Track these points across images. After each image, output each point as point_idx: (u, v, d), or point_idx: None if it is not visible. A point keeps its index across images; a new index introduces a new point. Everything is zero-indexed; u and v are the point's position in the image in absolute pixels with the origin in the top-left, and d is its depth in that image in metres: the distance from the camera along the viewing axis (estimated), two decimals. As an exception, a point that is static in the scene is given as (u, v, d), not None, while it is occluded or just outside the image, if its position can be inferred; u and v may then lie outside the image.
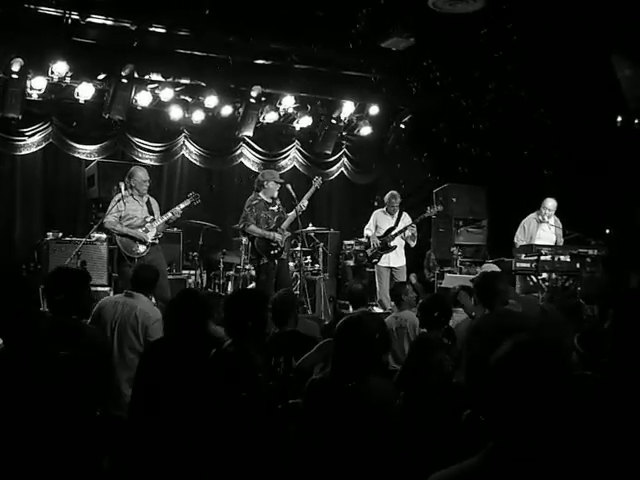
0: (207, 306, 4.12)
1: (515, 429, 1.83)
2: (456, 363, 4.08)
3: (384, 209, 9.43)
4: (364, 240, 9.63)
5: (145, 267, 5.92)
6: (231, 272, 9.68)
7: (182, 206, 8.01)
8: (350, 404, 3.26)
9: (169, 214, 7.89)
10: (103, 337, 3.97)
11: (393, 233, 9.20)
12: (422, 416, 3.73)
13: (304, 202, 8.29)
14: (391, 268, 9.22)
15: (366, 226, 9.50)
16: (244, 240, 9.45)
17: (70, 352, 3.47)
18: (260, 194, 8.18)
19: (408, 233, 9.16)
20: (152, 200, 8.03)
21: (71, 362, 3.46)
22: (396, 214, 9.32)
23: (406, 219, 9.30)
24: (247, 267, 9.29)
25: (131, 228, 7.69)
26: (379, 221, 9.39)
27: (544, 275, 8.31)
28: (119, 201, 7.65)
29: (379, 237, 9.26)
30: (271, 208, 8.20)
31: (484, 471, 1.82)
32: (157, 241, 7.89)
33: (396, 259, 9.23)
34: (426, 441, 3.61)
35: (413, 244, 9.33)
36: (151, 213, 7.89)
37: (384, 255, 9.21)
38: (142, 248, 7.72)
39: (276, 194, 8.23)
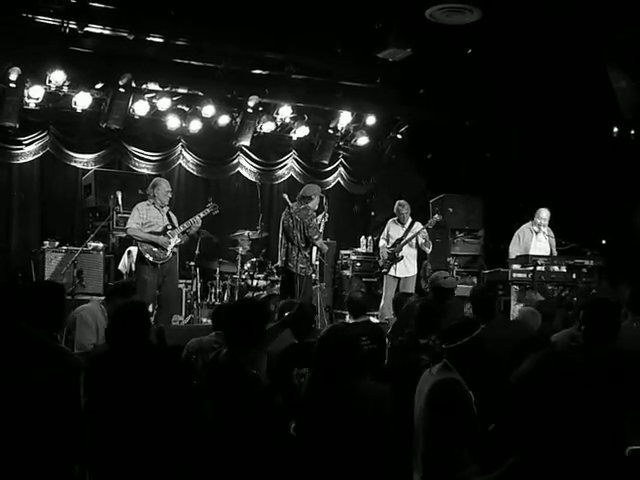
0: (146, 316, 4.07)
1: (534, 445, 1.80)
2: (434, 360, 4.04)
3: (395, 218, 9.43)
4: (361, 250, 9.63)
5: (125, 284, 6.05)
6: (227, 281, 9.68)
7: (201, 215, 8.08)
8: (332, 408, 3.30)
9: (189, 222, 7.95)
10: (75, 360, 3.86)
11: (401, 243, 9.17)
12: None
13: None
14: (399, 279, 9.19)
15: (381, 236, 9.56)
16: (240, 250, 9.48)
17: (28, 372, 3.46)
18: (310, 206, 8.16)
19: (421, 240, 9.13)
20: (172, 214, 8.08)
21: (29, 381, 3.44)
22: (407, 223, 9.28)
23: (417, 228, 9.22)
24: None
25: (153, 235, 7.75)
26: (391, 230, 9.37)
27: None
28: (142, 209, 7.78)
29: (388, 248, 9.23)
30: None
31: None
32: (176, 251, 7.95)
33: (403, 270, 9.16)
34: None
35: (429, 250, 9.29)
36: (172, 226, 7.96)
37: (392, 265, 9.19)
38: (163, 255, 7.75)
39: (317, 207, 8.31)
